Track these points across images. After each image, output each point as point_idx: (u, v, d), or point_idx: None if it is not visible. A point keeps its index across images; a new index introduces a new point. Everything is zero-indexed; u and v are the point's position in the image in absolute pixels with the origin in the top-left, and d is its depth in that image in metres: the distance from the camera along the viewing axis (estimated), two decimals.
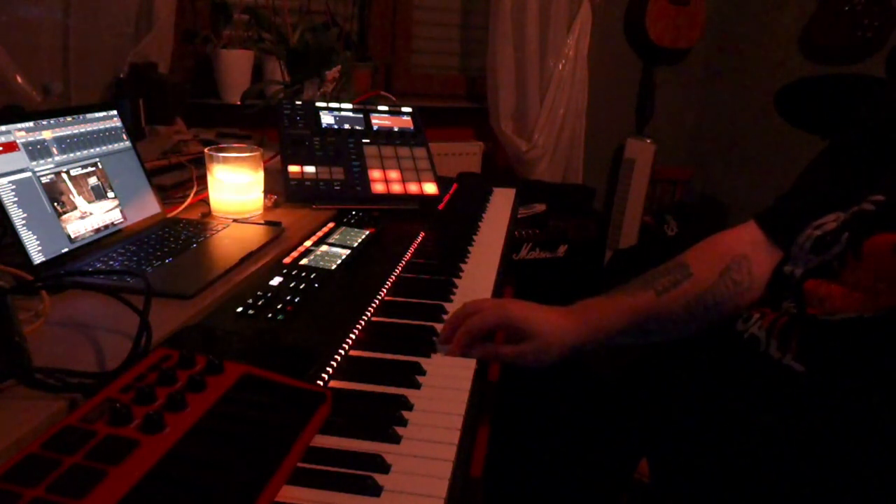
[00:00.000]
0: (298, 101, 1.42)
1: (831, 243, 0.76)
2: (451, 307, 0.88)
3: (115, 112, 1.04)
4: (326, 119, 1.39)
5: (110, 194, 0.98)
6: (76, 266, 0.85)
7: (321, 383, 0.66)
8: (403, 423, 0.62)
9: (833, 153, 0.87)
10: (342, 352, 0.73)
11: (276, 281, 0.88)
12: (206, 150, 1.15)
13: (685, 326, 0.86)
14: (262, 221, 1.12)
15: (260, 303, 0.80)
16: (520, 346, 0.77)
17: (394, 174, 1.32)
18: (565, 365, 0.80)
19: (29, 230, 0.81)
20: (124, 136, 1.04)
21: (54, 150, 0.89)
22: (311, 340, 0.74)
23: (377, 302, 0.87)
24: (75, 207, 0.90)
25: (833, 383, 0.71)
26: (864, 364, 0.70)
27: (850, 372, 0.71)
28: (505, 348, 0.78)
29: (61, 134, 0.92)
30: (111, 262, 0.88)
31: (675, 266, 0.87)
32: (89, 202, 0.93)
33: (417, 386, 0.69)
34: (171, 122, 1.63)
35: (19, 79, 1.61)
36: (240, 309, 0.78)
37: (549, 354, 0.78)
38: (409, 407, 0.64)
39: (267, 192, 1.21)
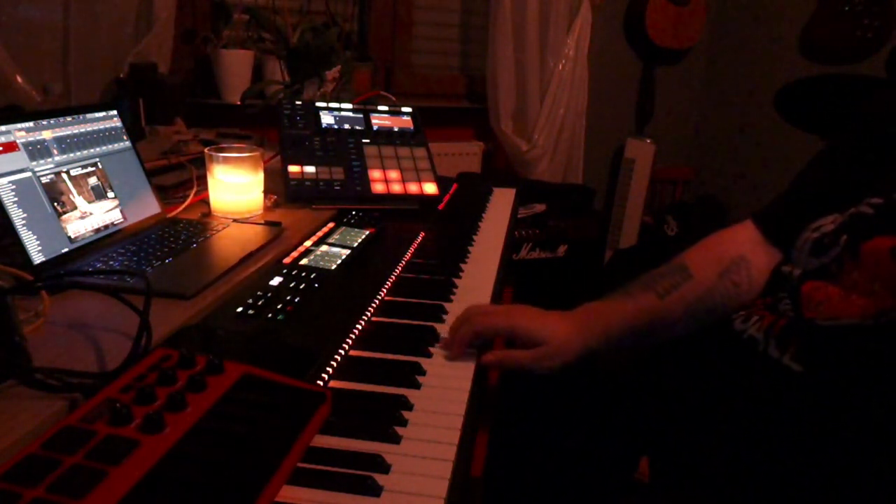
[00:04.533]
0: (298, 101, 1.42)
1: (829, 245, 0.76)
2: (451, 307, 0.88)
3: (115, 112, 1.04)
4: (326, 119, 1.39)
5: (110, 194, 0.98)
6: (76, 266, 0.85)
7: (321, 383, 0.66)
8: (403, 423, 0.62)
9: (830, 154, 0.87)
10: (342, 352, 0.73)
11: (276, 281, 0.88)
12: (206, 150, 1.15)
13: (686, 326, 0.86)
14: (262, 221, 1.12)
15: (260, 303, 0.80)
16: (536, 352, 0.77)
17: (394, 174, 1.32)
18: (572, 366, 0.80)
19: (29, 230, 0.81)
20: (124, 136, 1.04)
21: (54, 150, 0.89)
22: (311, 340, 0.74)
23: (377, 302, 0.87)
24: (75, 207, 0.90)
25: (831, 383, 0.71)
26: (862, 366, 0.70)
27: (849, 373, 0.71)
28: (521, 354, 0.78)
29: (61, 134, 0.92)
30: (111, 262, 0.88)
31: (674, 268, 0.87)
32: (89, 202, 0.93)
33: (417, 386, 0.68)
34: (171, 122, 1.63)
35: (19, 79, 1.61)
36: (240, 309, 0.78)
37: (557, 361, 0.78)
38: (409, 407, 0.64)
39: (267, 192, 1.21)
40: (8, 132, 0.84)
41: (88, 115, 0.98)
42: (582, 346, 0.80)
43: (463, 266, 1.06)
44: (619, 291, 0.86)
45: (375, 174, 1.31)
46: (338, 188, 1.26)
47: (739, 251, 0.87)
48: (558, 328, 0.79)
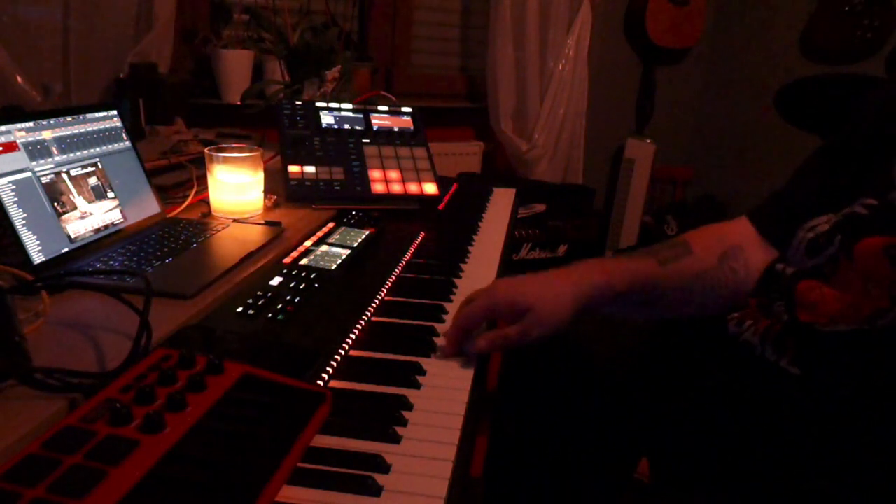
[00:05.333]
0: (298, 101, 1.42)
1: (824, 245, 0.76)
2: (452, 307, 0.88)
3: (115, 112, 1.04)
4: (326, 119, 1.39)
5: (110, 194, 0.98)
6: (76, 266, 0.85)
7: (321, 383, 0.66)
8: (403, 423, 0.62)
9: (825, 154, 0.87)
10: (342, 352, 0.73)
11: (276, 281, 0.88)
12: (206, 150, 1.15)
13: (682, 305, 0.86)
14: (262, 221, 1.12)
15: (260, 303, 0.80)
16: (522, 323, 0.74)
17: (394, 174, 1.32)
18: (562, 351, 0.79)
19: (29, 230, 0.81)
20: (124, 136, 1.04)
21: (54, 150, 0.89)
22: (311, 340, 0.74)
23: (377, 302, 0.87)
24: (75, 207, 0.90)
25: (830, 386, 0.71)
26: (860, 369, 0.70)
27: (847, 376, 0.71)
28: (508, 329, 0.75)
29: (61, 134, 0.92)
30: (111, 262, 0.88)
31: (676, 242, 0.87)
32: (89, 202, 0.93)
33: (417, 386, 0.68)
34: (171, 122, 1.64)
35: (19, 79, 1.61)
36: (240, 309, 0.78)
37: (552, 321, 0.75)
38: (409, 407, 0.64)
39: (267, 192, 1.21)
40: (8, 132, 0.84)
41: (88, 115, 0.98)
42: (575, 301, 0.76)
43: (463, 266, 1.06)
44: (619, 255, 0.85)
45: (375, 174, 1.31)
46: (338, 188, 1.26)
47: (737, 241, 0.87)
48: (545, 288, 0.76)
